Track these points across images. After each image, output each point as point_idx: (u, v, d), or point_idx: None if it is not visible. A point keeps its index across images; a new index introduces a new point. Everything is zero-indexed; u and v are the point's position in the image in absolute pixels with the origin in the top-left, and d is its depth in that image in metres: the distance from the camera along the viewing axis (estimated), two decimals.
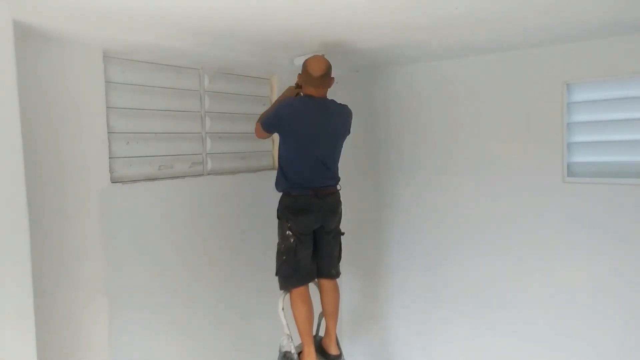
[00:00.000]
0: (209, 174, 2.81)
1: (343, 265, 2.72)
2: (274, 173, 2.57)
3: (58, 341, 2.11)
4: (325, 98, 2.48)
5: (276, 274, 2.49)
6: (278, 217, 2.49)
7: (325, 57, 2.45)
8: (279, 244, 2.48)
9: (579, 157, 2.70)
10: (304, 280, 2.46)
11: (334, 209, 2.54)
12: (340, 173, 2.64)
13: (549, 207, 2.76)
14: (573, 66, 2.64)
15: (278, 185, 2.50)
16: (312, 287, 2.58)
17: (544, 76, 2.73)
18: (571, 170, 2.70)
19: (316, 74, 2.37)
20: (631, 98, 2.52)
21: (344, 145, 2.59)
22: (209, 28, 2.13)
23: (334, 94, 2.86)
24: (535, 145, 2.78)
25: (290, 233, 2.41)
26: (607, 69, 2.55)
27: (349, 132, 2.64)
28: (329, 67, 2.40)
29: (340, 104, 2.58)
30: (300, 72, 2.45)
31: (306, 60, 2.42)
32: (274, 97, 3.16)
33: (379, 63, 3.20)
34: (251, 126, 3.01)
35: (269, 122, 2.48)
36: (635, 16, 2.12)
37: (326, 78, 2.40)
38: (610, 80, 2.57)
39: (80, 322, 2.19)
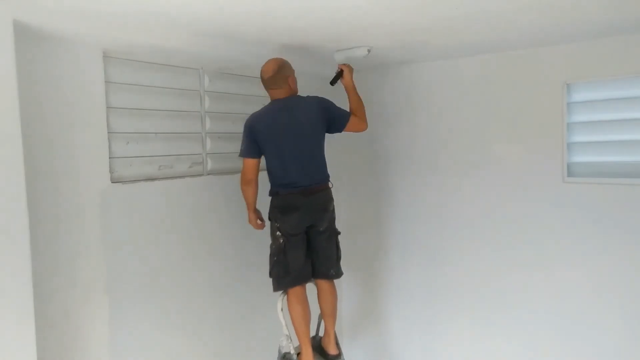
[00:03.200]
0: (209, 174, 2.81)
1: (342, 264, 2.71)
2: None
3: (58, 340, 2.11)
4: (290, 97, 2.45)
5: (269, 275, 2.49)
6: (269, 219, 2.52)
7: (281, 57, 2.46)
8: (270, 245, 2.50)
9: (579, 157, 2.70)
10: (297, 281, 2.46)
11: (324, 206, 2.49)
12: (340, 172, 2.65)
13: (549, 207, 2.76)
14: (573, 66, 2.64)
15: (269, 191, 2.52)
16: (310, 287, 2.58)
17: (544, 76, 2.73)
18: (571, 170, 2.70)
19: (265, 76, 2.40)
20: (631, 98, 2.52)
21: (343, 145, 2.59)
22: (209, 28, 2.13)
23: (335, 94, 2.86)
24: (535, 145, 2.78)
25: (280, 234, 2.42)
26: (607, 69, 2.55)
27: (340, 118, 2.51)
28: (279, 67, 2.38)
29: (311, 96, 2.52)
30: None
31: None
32: None
33: (379, 63, 3.20)
34: None
35: (246, 145, 2.42)
36: (635, 16, 2.12)
37: (278, 77, 2.38)
38: (610, 80, 2.57)
39: (80, 321, 2.19)
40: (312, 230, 2.49)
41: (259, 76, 2.44)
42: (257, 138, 2.40)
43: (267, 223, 2.56)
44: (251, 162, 2.44)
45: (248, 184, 2.48)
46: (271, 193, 2.51)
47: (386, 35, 2.36)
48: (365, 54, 2.61)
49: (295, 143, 2.40)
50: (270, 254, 2.49)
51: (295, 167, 2.40)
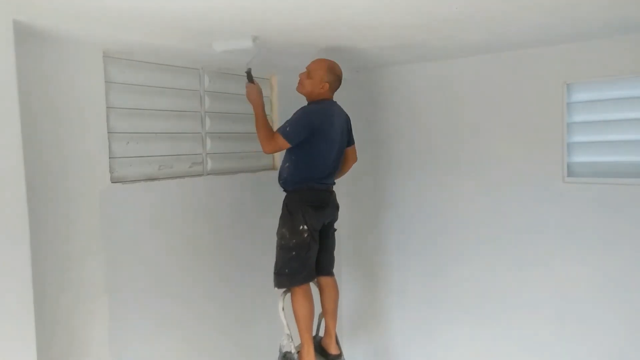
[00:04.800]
0: (209, 174, 2.81)
1: (343, 264, 2.72)
2: (274, 173, 2.57)
3: (58, 341, 2.11)
4: (334, 101, 2.57)
5: (278, 272, 2.40)
6: (289, 212, 2.40)
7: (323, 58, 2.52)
8: (287, 239, 2.38)
9: (579, 157, 2.70)
10: (310, 277, 2.46)
11: (337, 205, 2.63)
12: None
13: (549, 207, 2.76)
14: (573, 66, 2.64)
15: (291, 183, 2.43)
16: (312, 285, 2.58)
17: (544, 76, 2.73)
18: (571, 170, 2.70)
19: (341, 77, 2.52)
20: (631, 98, 2.52)
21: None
22: (209, 28, 2.13)
23: (336, 93, 2.86)
24: (535, 145, 2.78)
25: (306, 228, 2.36)
26: (607, 69, 2.55)
27: (350, 141, 2.76)
28: None
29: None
30: (324, 75, 2.42)
31: (330, 65, 2.45)
32: (274, 97, 3.16)
33: (379, 63, 3.20)
34: (251, 126, 3.01)
35: (298, 131, 2.32)
36: (635, 16, 2.12)
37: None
38: (610, 80, 2.57)
39: (80, 322, 2.19)
40: (327, 227, 2.56)
41: (333, 72, 2.44)
42: (317, 132, 2.35)
43: (274, 221, 2.50)
44: (286, 146, 2.36)
45: (270, 153, 2.46)
46: (300, 187, 2.41)
47: (386, 35, 2.36)
48: (251, 46, 2.10)
49: (339, 146, 2.53)
50: (284, 249, 2.38)
51: (331, 167, 2.50)
